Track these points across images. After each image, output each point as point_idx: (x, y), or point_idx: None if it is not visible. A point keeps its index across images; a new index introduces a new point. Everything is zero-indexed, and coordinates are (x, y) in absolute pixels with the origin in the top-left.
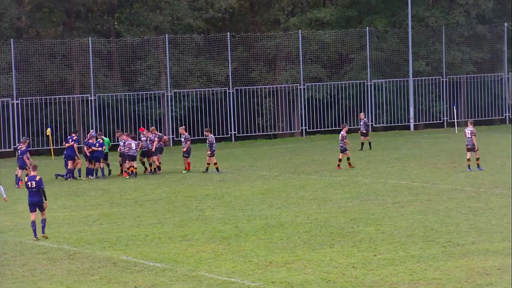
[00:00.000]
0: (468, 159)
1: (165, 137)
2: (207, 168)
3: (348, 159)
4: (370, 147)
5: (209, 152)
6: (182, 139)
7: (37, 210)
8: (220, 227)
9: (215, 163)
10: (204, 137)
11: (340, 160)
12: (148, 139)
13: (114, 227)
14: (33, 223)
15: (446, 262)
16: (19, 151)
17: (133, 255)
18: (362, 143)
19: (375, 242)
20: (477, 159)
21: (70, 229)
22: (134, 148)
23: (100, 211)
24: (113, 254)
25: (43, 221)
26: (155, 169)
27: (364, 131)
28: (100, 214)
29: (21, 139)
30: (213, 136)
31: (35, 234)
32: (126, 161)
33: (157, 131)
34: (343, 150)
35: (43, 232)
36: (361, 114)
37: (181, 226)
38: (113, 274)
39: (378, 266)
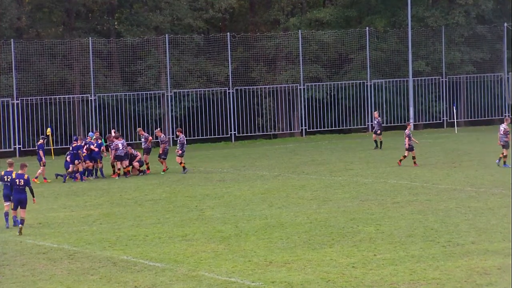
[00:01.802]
0: (505, 156)
1: (150, 137)
2: (184, 168)
3: (413, 157)
4: (380, 146)
5: (180, 152)
6: (159, 141)
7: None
8: (220, 227)
9: (182, 163)
10: (205, 137)
11: (404, 157)
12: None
13: (114, 227)
14: (15, 217)
15: (446, 262)
16: (87, 145)
17: (133, 255)
18: (376, 141)
19: (375, 242)
20: (505, 156)
21: (70, 229)
22: (121, 148)
23: (100, 211)
24: (113, 254)
25: (23, 220)
26: (143, 170)
27: (378, 130)
28: (100, 214)
29: (83, 138)
30: (184, 137)
31: (14, 223)
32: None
33: (144, 131)
34: (411, 149)
35: (21, 223)
36: (375, 112)
37: (181, 226)
38: (113, 274)
39: (378, 266)
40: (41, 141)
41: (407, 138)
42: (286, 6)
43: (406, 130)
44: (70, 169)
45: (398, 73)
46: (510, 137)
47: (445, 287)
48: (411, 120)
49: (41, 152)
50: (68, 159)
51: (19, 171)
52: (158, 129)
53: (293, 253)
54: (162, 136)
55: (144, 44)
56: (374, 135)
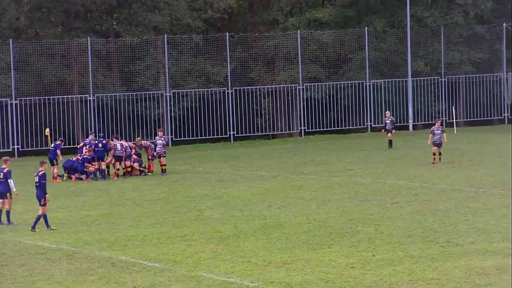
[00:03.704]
0: None
1: (138, 138)
2: (163, 170)
3: (440, 153)
4: (391, 145)
5: (154, 153)
6: (143, 148)
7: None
8: (219, 227)
9: (164, 164)
10: (204, 137)
11: (440, 153)
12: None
13: (113, 227)
14: (45, 216)
15: (445, 262)
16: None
17: (132, 255)
18: (391, 141)
19: (374, 242)
20: None
21: (69, 229)
22: (119, 148)
23: (99, 211)
24: (112, 254)
25: (44, 216)
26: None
27: (390, 129)
28: (99, 214)
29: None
30: (165, 137)
31: (47, 225)
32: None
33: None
34: (438, 145)
35: (47, 226)
36: (386, 112)
37: (179, 226)
38: (112, 274)
39: (377, 266)
40: (58, 142)
41: (431, 135)
42: (285, 6)
43: (433, 127)
44: (92, 168)
45: (397, 73)
46: None
47: (444, 287)
48: (439, 118)
49: (58, 152)
50: (74, 158)
51: (39, 167)
52: (138, 138)
53: (292, 253)
54: (143, 143)
55: (143, 44)
56: (389, 134)
